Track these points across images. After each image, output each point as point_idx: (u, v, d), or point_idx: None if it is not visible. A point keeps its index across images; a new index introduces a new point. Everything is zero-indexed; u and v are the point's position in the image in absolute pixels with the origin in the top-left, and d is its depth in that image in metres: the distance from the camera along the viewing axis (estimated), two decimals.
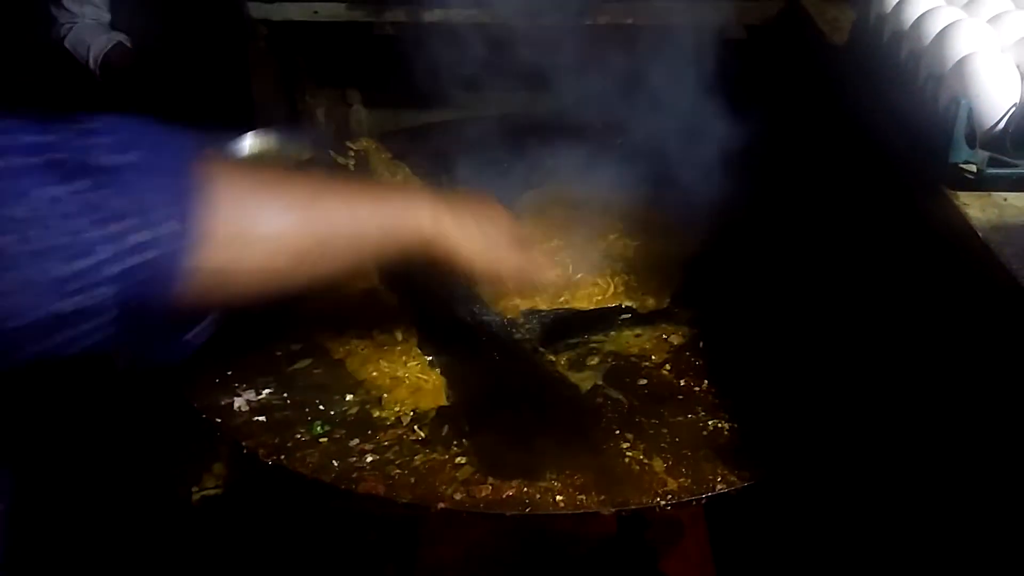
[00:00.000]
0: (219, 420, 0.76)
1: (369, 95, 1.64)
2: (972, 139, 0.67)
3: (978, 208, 0.65)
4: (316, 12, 1.32)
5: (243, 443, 0.73)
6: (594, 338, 0.89)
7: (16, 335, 0.38)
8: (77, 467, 1.20)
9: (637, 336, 0.89)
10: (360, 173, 1.18)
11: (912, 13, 0.82)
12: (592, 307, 0.95)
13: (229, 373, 0.83)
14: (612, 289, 0.98)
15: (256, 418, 0.77)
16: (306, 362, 0.86)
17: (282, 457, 0.71)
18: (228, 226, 0.45)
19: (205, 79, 1.39)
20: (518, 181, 1.21)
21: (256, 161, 1.11)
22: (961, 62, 0.69)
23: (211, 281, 0.44)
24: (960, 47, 0.71)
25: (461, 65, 1.53)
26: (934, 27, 0.76)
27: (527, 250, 0.69)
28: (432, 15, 1.30)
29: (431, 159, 1.22)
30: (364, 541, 1.14)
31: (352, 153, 1.23)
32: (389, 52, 1.42)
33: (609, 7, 1.26)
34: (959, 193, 0.67)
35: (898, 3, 0.86)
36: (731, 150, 1.19)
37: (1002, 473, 0.66)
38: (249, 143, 1.17)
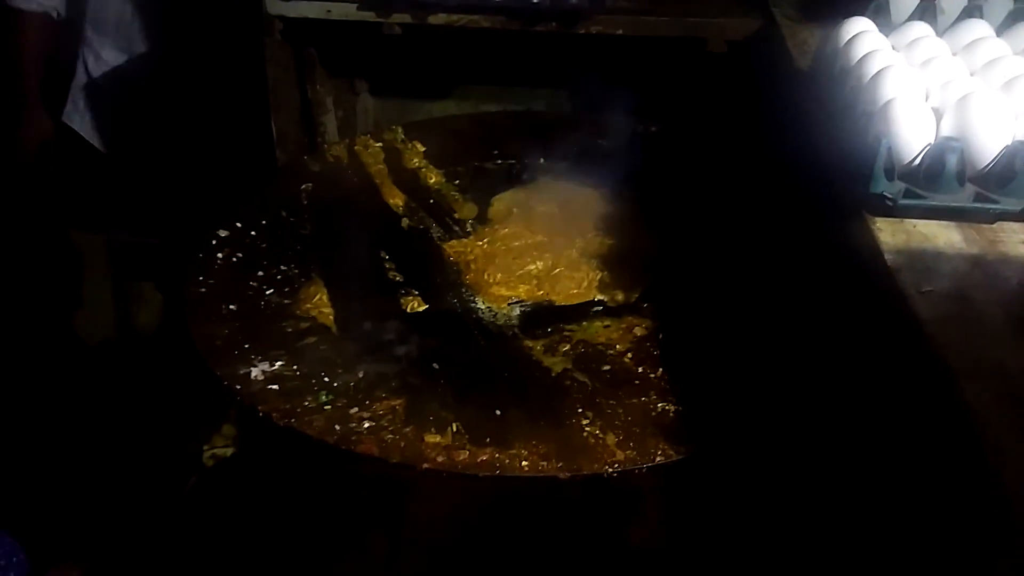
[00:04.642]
0: (238, 387, 0.88)
1: (376, 86, 1.74)
2: (891, 172, 0.79)
3: (889, 233, 0.76)
4: (329, 11, 1.42)
5: (259, 408, 0.85)
6: (568, 327, 1.01)
7: None
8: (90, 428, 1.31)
9: (606, 327, 1.01)
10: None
11: (858, 52, 0.92)
12: (568, 300, 1.07)
13: (246, 346, 0.95)
14: (587, 283, 1.09)
15: (270, 386, 0.89)
16: (313, 339, 0.98)
17: (292, 421, 0.84)
18: None
19: (224, 69, 1.49)
20: (508, 176, 1.32)
21: None
22: (887, 104, 0.80)
23: None
24: (887, 91, 0.82)
25: (462, 63, 1.64)
26: (871, 68, 0.87)
27: None
28: (437, 18, 1.40)
29: (436, 149, 1.35)
30: (356, 498, 1.26)
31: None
32: (396, 48, 1.53)
33: (601, 18, 1.36)
34: (876, 219, 0.78)
35: (849, 40, 0.96)
36: (706, 158, 1.30)
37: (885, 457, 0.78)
38: None
